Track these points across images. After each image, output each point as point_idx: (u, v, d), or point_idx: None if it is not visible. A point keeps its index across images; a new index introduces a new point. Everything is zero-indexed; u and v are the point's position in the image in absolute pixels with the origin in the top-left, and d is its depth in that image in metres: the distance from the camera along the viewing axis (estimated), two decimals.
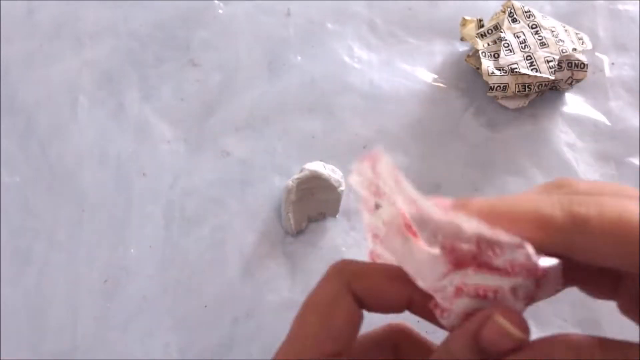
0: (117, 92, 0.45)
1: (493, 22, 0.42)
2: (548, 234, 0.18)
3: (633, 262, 0.17)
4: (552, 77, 0.40)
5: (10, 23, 0.47)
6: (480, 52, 0.41)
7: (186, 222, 0.42)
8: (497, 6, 0.46)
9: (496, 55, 0.40)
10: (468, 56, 0.44)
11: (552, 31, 0.40)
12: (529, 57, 0.40)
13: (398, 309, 0.21)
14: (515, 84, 0.40)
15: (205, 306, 0.40)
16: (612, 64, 0.47)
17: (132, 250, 0.41)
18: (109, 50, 0.47)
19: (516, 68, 0.39)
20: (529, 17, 0.40)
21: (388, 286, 0.21)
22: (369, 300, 0.21)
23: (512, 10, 0.40)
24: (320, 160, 0.41)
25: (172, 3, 0.48)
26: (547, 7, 0.48)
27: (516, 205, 0.19)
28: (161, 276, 0.41)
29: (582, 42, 0.41)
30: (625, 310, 0.21)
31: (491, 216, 0.19)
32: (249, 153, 0.44)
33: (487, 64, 0.39)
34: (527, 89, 0.40)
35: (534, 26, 0.40)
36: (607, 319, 0.39)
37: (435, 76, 0.46)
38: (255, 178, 0.43)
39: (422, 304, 0.20)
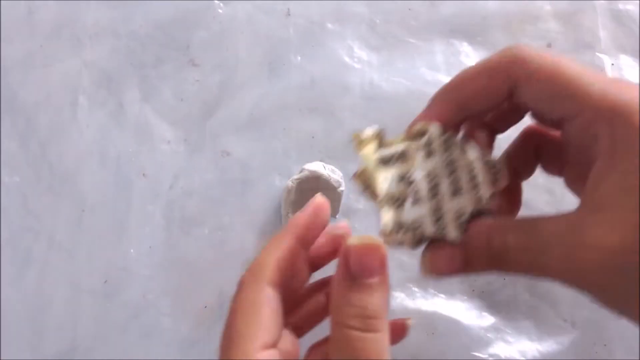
0: (117, 92, 0.45)
1: (400, 145, 0.31)
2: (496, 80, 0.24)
3: (566, 105, 0.22)
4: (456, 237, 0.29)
5: (10, 23, 0.47)
6: (378, 200, 0.29)
7: (186, 222, 0.42)
8: (497, 6, 0.47)
9: (400, 203, 0.29)
10: (356, 174, 0.30)
11: (470, 171, 0.30)
12: (437, 211, 0.30)
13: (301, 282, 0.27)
14: (414, 240, 0.29)
15: (205, 306, 0.40)
16: (612, 64, 0.47)
17: (132, 251, 0.41)
18: (109, 50, 0.47)
19: (419, 227, 0.29)
20: (447, 150, 0.30)
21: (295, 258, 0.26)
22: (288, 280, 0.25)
23: (430, 139, 0.30)
24: (320, 161, 0.41)
25: (172, 3, 0.48)
26: (547, 7, 0.48)
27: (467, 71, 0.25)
28: (161, 276, 0.41)
29: (497, 181, 0.31)
30: (571, 184, 0.26)
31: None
32: (249, 153, 0.44)
33: (387, 218, 0.29)
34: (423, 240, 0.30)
35: (450, 163, 0.30)
36: (607, 318, 0.39)
37: (436, 76, 0.46)
38: (255, 178, 0.43)
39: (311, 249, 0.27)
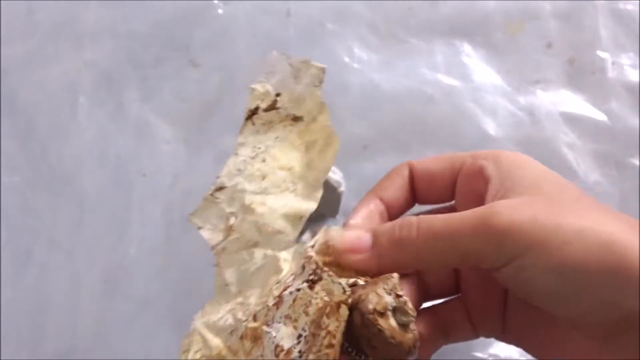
0: (117, 92, 0.45)
1: None
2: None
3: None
4: None
5: (10, 23, 0.47)
6: None
7: (186, 222, 0.42)
8: (497, 6, 0.46)
9: None
10: None
11: None
12: None
13: None
14: None
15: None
16: (613, 63, 0.46)
17: (132, 251, 0.41)
18: (109, 50, 0.47)
19: None
20: None
21: None
22: None
23: None
24: None
25: (172, 3, 0.48)
26: (547, 6, 0.48)
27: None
28: (161, 276, 0.41)
29: None
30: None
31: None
32: None
33: None
34: None
35: None
36: None
37: (436, 76, 0.46)
38: None
39: None
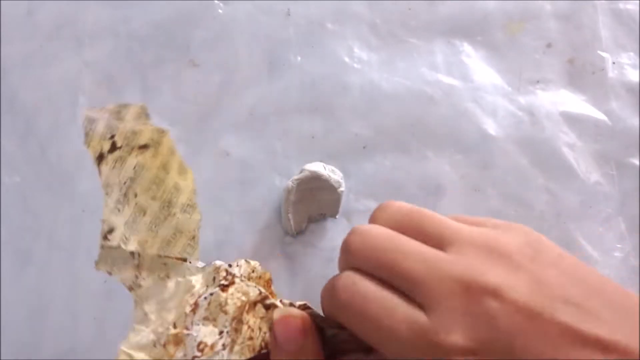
0: (117, 92, 0.45)
1: None
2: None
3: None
4: None
5: (10, 23, 0.47)
6: None
7: None
8: (497, 6, 0.46)
9: None
10: None
11: None
12: None
13: None
14: None
15: None
16: (613, 63, 0.46)
17: None
18: (109, 50, 0.47)
19: None
20: None
21: None
22: None
23: None
24: (320, 161, 0.41)
25: (172, 3, 0.48)
26: (547, 6, 0.48)
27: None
28: None
29: None
30: None
31: None
32: (249, 153, 0.44)
33: None
34: None
35: None
36: None
37: (436, 76, 0.46)
38: (255, 178, 0.43)
39: None
